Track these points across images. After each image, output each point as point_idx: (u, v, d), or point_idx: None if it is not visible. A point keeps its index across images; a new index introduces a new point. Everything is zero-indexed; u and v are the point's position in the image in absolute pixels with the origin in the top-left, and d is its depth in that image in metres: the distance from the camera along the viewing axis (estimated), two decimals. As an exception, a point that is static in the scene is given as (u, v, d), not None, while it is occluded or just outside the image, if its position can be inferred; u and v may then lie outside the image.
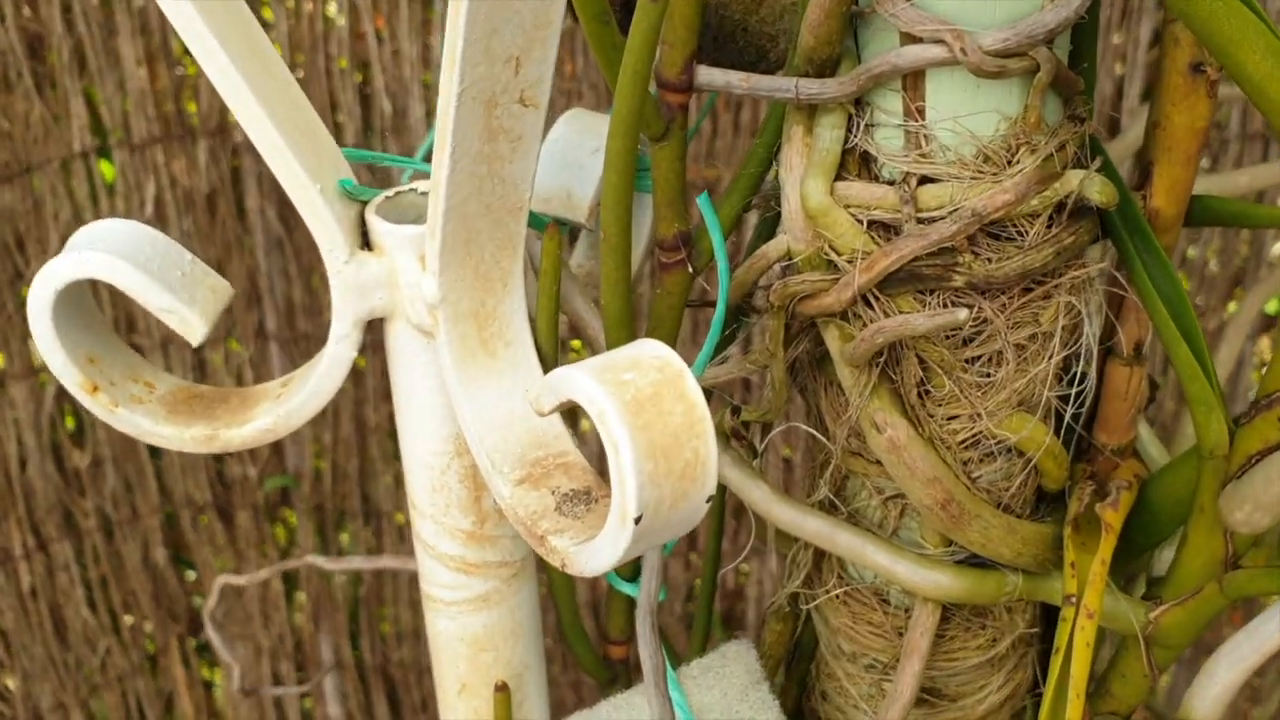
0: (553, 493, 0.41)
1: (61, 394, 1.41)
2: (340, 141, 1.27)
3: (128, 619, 1.53)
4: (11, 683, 1.48)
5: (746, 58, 0.50)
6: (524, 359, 0.43)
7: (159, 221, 1.29)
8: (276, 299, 1.35)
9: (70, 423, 1.42)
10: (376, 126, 1.26)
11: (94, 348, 0.45)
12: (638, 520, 0.35)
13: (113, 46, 1.22)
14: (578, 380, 0.35)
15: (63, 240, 1.29)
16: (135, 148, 1.26)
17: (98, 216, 1.30)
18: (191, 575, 1.56)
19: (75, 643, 1.50)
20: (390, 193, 0.44)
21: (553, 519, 0.40)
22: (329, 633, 1.51)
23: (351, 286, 0.42)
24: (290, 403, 0.45)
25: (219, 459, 1.46)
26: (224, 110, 1.26)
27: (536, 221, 0.48)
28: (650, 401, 0.35)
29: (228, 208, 1.31)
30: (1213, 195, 0.48)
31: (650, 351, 0.36)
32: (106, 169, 1.28)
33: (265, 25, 1.23)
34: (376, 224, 0.42)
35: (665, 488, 0.35)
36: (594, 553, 0.37)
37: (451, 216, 0.39)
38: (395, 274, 0.42)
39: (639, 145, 0.43)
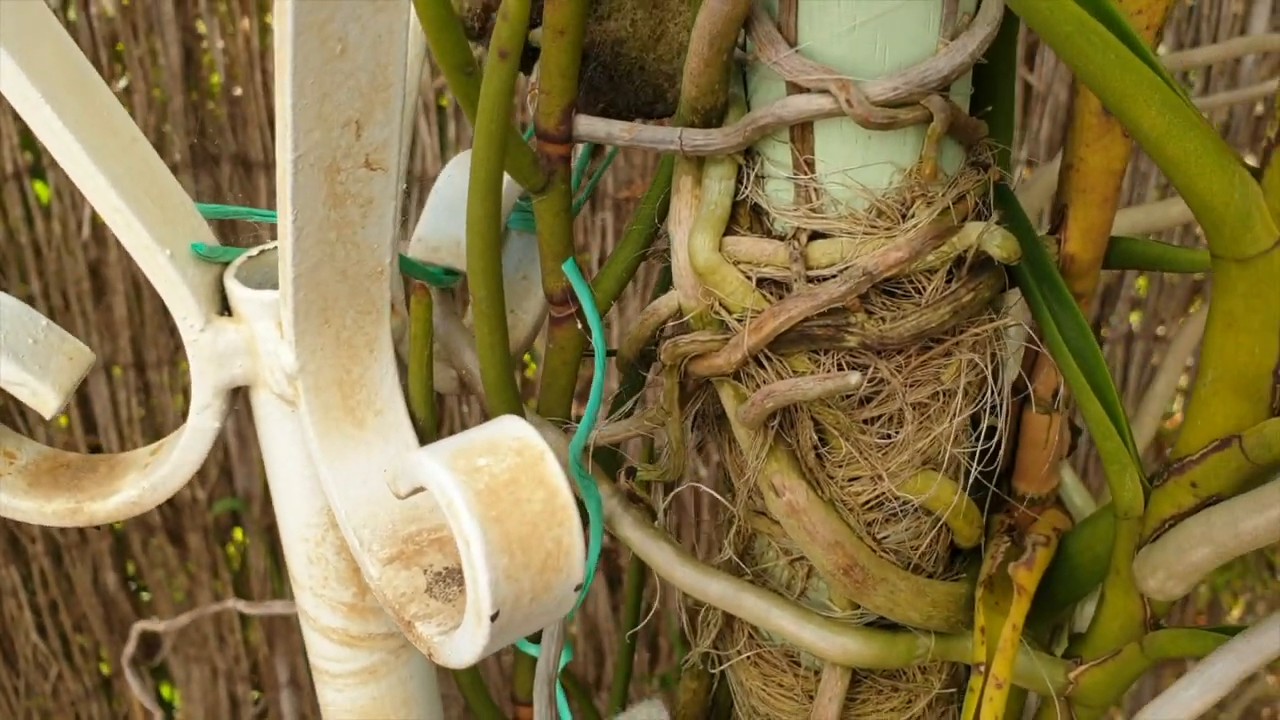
0: (424, 571, 0.39)
1: (2, 417, 1.38)
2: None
3: (80, 643, 1.50)
4: (-41, 711, 1.45)
5: (644, 97, 0.47)
6: (394, 428, 0.40)
7: (97, 243, 1.26)
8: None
9: (14, 446, 1.39)
10: (317, 142, 1.23)
11: (-55, 419, 0.42)
12: (494, 618, 0.32)
13: None
14: (427, 467, 0.33)
15: (-3, 263, 1.26)
16: (69, 167, 1.23)
17: (34, 239, 1.26)
18: (146, 597, 1.53)
19: (25, 669, 1.47)
20: (254, 251, 0.41)
21: (422, 602, 0.38)
22: (285, 653, 1.49)
23: (209, 356, 0.39)
24: (156, 474, 0.42)
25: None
26: (159, 126, 1.23)
27: (422, 272, 0.46)
28: (506, 489, 0.33)
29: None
30: (1131, 238, 0.46)
31: (509, 432, 0.34)
32: (41, 189, 1.25)
33: (200, 41, 1.20)
34: (234, 289, 0.39)
35: (524, 581, 0.33)
36: (455, 646, 0.35)
37: (302, 284, 0.36)
38: (255, 341, 0.39)
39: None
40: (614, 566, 1.43)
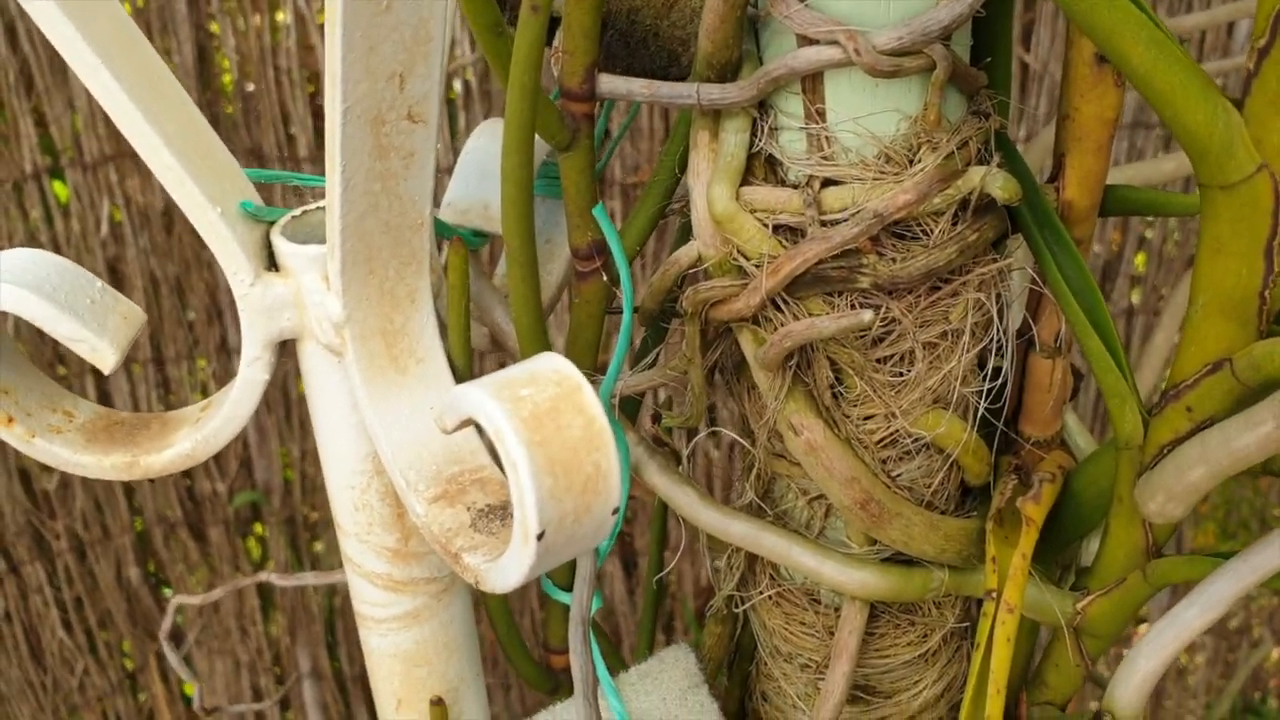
0: (468, 509, 0.41)
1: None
2: (294, 153, 1.27)
3: (104, 637, 1.52)
4: (-12, 707, 1.47)
5: (659, 62, 0.50)
6: (436, 375, 0.43)
7: (116, 241, 1.29)
8: (238, 314, 1.35)
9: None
10: (329, 137, 1.25)
11: (7, 379, 0.45)
12: (540, 537, 0.35)
13: (59, 65, 1.22)
14: (474, 398, 0.35)
15: (19, 262, 1.29)
16: (88, 167, 1.26)
17: (53, 237, 1.29)
18: (167, 592, 1.55)
19: (52, 664, 1.50)
20: (297, 212, 0.44)
21: (467, 536, 0.40)
22: (306, 644, 1.51)
23: (259, 309, 0.42)
24: (208, 427, 0.45)
25: (188, 475, 1.46)
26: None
27: (450, 233, 0.48)
28: (548, 416, 0.35)
29: (184, 224, 1.31)
30: (1126, 185, 0.48)
31: (548, 366, 0.36)
32: (60, 189, 1.28)
33: (213, 39, 1.23)
34: (280, 245, 0.42)
35: (567, 503, 0.35)
36: (502, 570, 0.37)
37: (349, 235, 0.39)
38: (301, 295, 0.42)
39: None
40: (629, 550, 1.45)
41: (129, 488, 1.44)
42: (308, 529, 1.48)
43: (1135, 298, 1.37)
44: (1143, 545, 0.46)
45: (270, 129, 1.24)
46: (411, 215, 0.39)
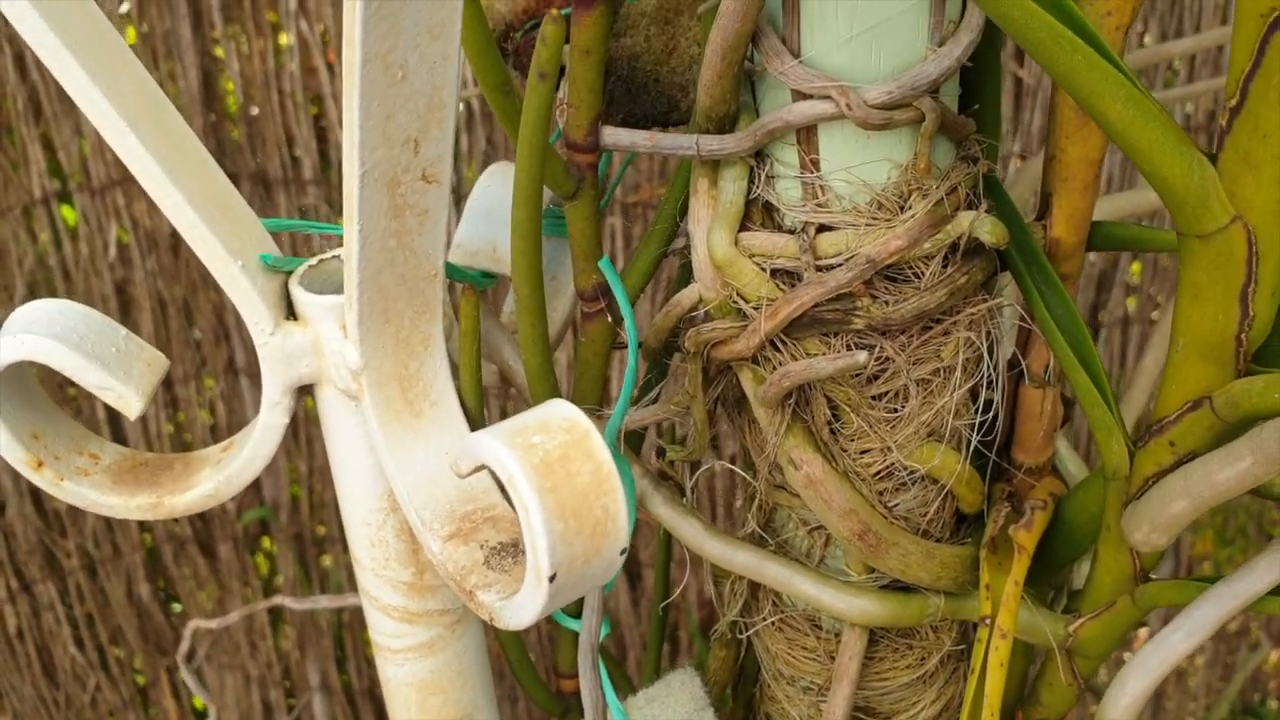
0: (481, 546, 0.43)
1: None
2: (299, 175, 1.28)
3: (116, 654, 1.54)
4: (2, 724, 1.49)
5: (660, 107, 0.52)
6: (449, 418, 0.45)
7: (123, 264, 1.30)
8: (244, 335, 1.37)
9: (47, 464, 1.44)
10: (334, 159, 1.27)
11: (37, 424, 0.47)
12: (552, 579, 0.36)
13: (66, 93, 1.24)
14: (488, 446, 0.37)
15: (28, 286, 1.31)
16: (95, 191, 1.27)
17: (61, 261, 1.31)
18: (177, 608, 1.57)
19: (64, 680, 1.52)
20: (314, 261, 0.45)
21: (481, 573, 0.42)
22: (316, 659, 1.53)
23: (279, 357, 0.44)
24: (230, 468, 0.46)
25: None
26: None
27: (461, 275, 0.50)
28: (559, 463, 0.37)
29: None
30: (1112, 221, 0.50)
31: (558, 414, 0.38)
32: (68, 213, 1.30)
33: (217, 64, 1.25)
34: (299, 295, 0.44)
35: (577, 545, 0.37)
36: (516, 609, 0.39)
37: (367, 288, 0.40)
38: (320, 342, 0.44)
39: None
40: (633, 562, 1.47)
41: (139, 506, 1.46)
42: (315, 544, 1.50)
43: (1131, 305, 1.39)
44: (1131, 571, 0.48)
45: (275, 152, 1.26)
46: (426, 267, 0.41)
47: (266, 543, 1.52)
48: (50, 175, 1.28)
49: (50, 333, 0.44)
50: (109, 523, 1.45)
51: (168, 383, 1.40)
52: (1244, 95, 0.35)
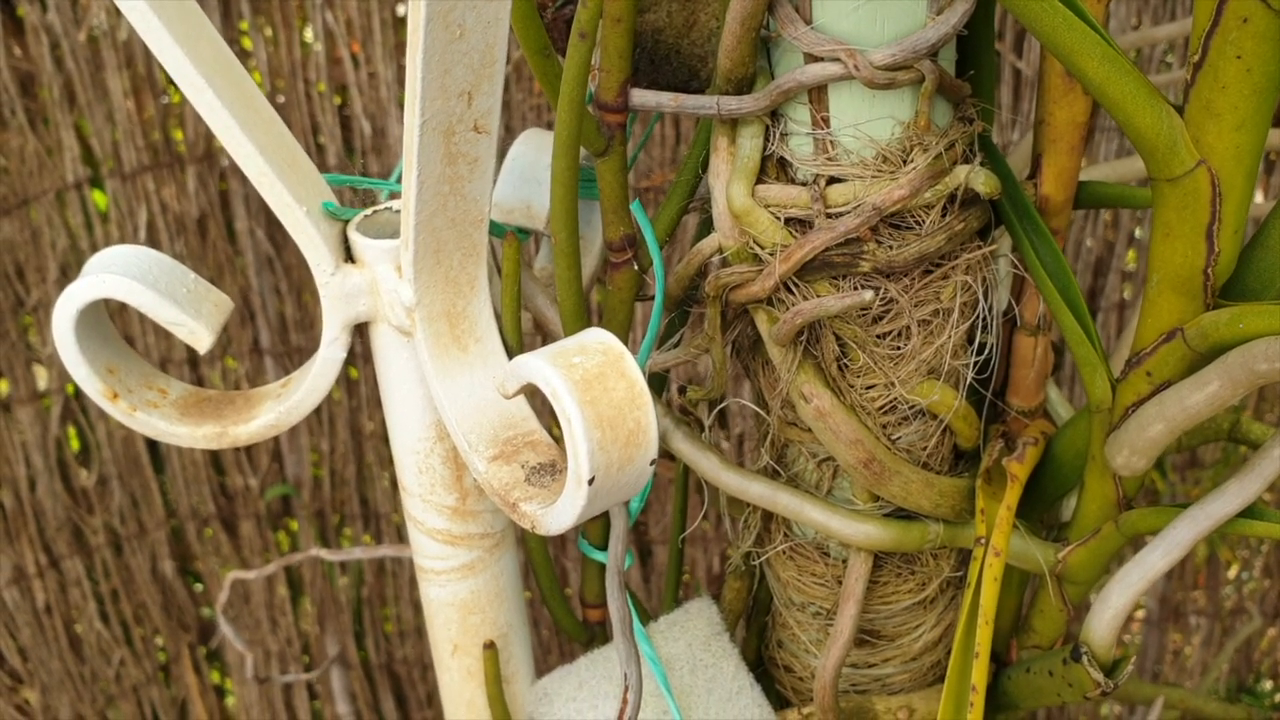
0: (522, 466, 0.47)
1: (66, 415, 1.47)
2: (323, 162, 1.33)
3: (139, 630, 1.58)
4: (31, 696, 1.53)
5: (680, 77, 0.56)
6: (492, 352, 0.49)
7: (152, 246, 1.35)
8: (269, 315, 1.41)
9: (75, 443, 1.48)
10: (357, 146, 1.32)
11: (112, 359, 0.51)
12: (591, 481, 0.41)
13: (100, 80, 1.28)
14: (534, 365, 0.41)
15: (61, 268, 1.35)
16: (126, 176, 1.32)
17: (93, 244, 1.35)
18: (199, 586, 1.62)
19: (90, 655, 1.56)
20: (369, 211, 0.50)
21: (523, 489, 0.46)
22: (334, 633, 1.57)
23: (338, 296, 0.48)
24: (290, 400, 0.51)
25: (221, 471, 1.52)
26: (210, 137, 1.32)
27: (499, 230, 0.55)
28: (596, 380, 0.41)
29: (218, 230, 1.37)
30: (1097, 181, 0.54)
31: (595, 338, 0.42)
32: (99, 198, 1.34)
33: (245, 54, 1.29)
34: (357, 239, 0.48)
35: (613, 452, 0.41)
36: (557, 514, 0.43)
37: (422, 230, 0.45)
38: (376, 283, 0.48)
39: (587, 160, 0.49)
40: (644, 539, 1.51)
41: (164, 484, 1.50)
42: (337, 522, 1.54)
43: (1127, 293, 1.43)
44: (1114, 498, 0.52)
45: (300, 140, 1.31)
46: (474, 213, 0.46)
47: (288, 520, 1.57)
48: (83, 161, 1.33)
49: (128, 273, 0.48)
50: (134, 499, 1.50)
51: (193, 363, 1.44)
52: (1205, 51, 0.39)
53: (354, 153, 1.32)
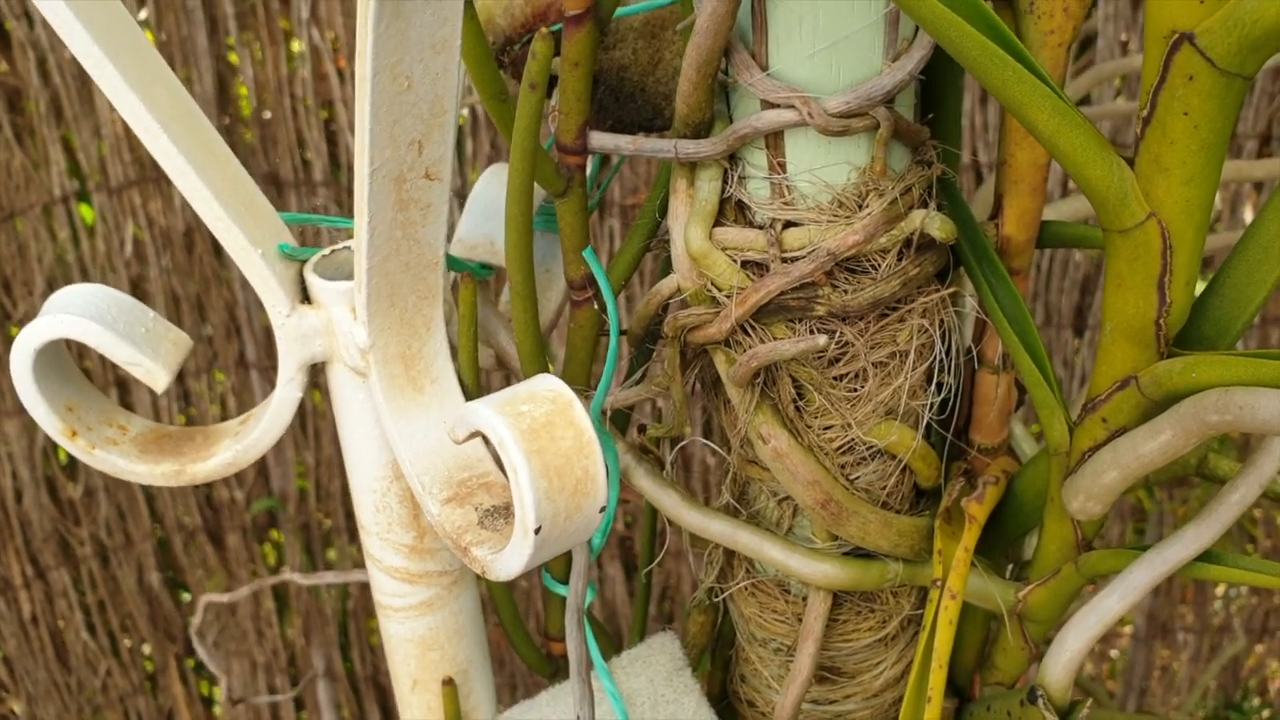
0: (476, 509, 0.47)
1: (53, 427, 1.47)
2: (309, 177, 1.33)
3: (126, 641, 1.59)
4: (16, 706, 1.54)
5: (645, 114, 0.56)
6: (448, 393, 0.49)
7: (138, 260, 1.35)
8: (255, 330, 1.41)
9: (63, 455, 1.48)
10: (343, 162, 1.32)
11: (71, 397, 0.51)
12: (537, 531, 0.41)
13: (87, 95, 1.29)
14: (482, 413, 0.41)
15: (47, 281, 1.36)
16: (113, 191, 1.32)
17: (79, 258, 1.36)
18: (186, 596, 1.62)
19: (77, 665, 1.56)
20: (327, 251, 0.50)
21: (475, 532, 0.46)
22: (320, 646, 1.57)
23: (294, 337, 0.48)
24: (247, 439, 0.51)
25: (207, 485, 1.52)
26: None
27: (461, 266, 0.55)
28: (544, 428, 0.41)
29: (204, 245, 1.37)
30: (1059, 221, 0.54)
31: (545, 386, 0.42)
32: (86, 212, 1.34)
33: (232, 70, 1.30)
34: (313, 281, 0.48)
35: (560, 501, 0.41)
36: (505, 561, 0.43)
37: (374, 274, 0.45)
38: (332, 324, 0.48)
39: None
40: (629, 554, 1.51)
41: (150, 496, 1.50)
42: (322, 535, 1.54)
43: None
44: (1073, 540, 0.52)
45: (287, 154, 1.31)
46: (428, 256, 0.46)
47: (274, 533, 1.57)
48: (69, 175, 1.33)
49: (86, 313, 0.48)
50: (121, 512, 1.50)
51: (180, 376, 1.45)
52: (1153, 106, 0.39)
53: (340, 168, 1.32)
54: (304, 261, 0.49)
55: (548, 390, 0.42)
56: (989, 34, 0.40)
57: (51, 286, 1.35)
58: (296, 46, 1.30)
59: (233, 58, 1.30)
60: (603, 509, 0.43)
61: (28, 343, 0.48)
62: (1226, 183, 1.16)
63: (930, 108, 0.51)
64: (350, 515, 1.52)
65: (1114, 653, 1.69)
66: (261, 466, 1.48)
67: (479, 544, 0.46)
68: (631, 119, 0.56)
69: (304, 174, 1.31)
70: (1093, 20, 1.18)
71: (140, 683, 1.60)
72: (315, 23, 1.26)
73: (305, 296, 0.49)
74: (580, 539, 0.43)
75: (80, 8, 0.42)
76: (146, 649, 1.60)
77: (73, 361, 0.52)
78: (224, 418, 1.45)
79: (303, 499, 1.51)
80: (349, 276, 0.48)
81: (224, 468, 0.52)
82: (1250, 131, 1.21)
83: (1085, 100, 1.08)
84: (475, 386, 0.50)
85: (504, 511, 0.47)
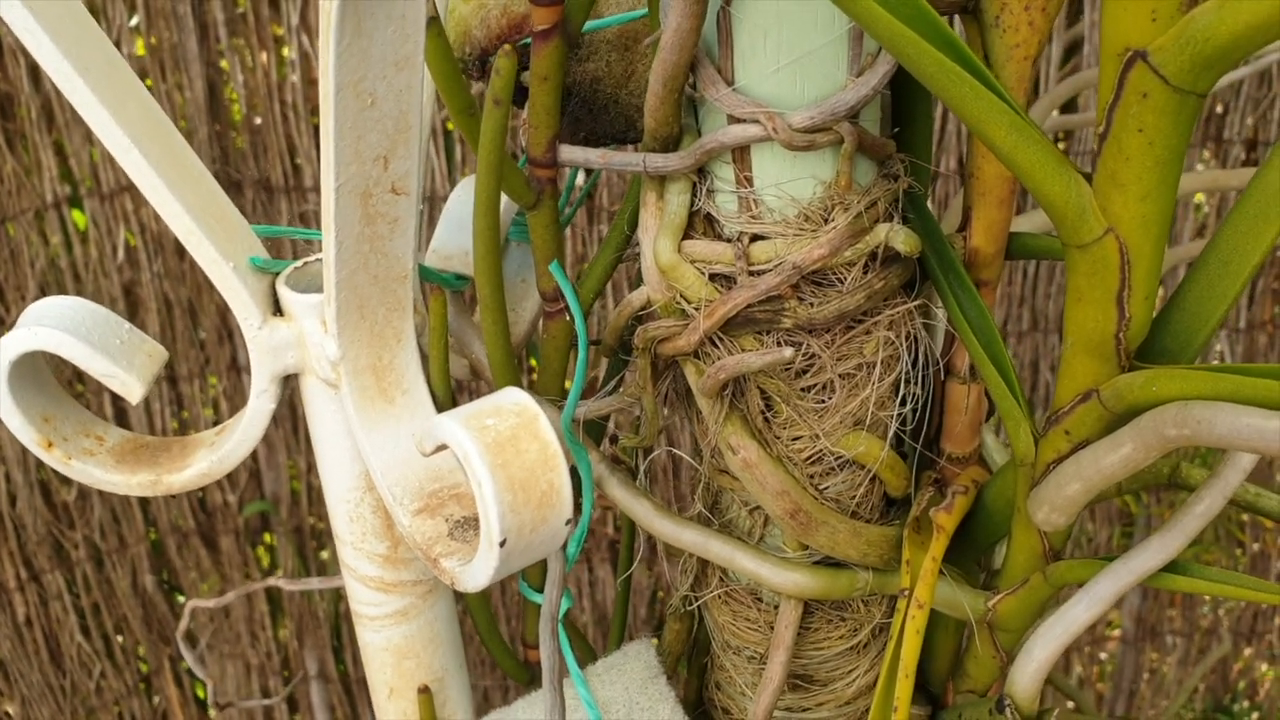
0: (446, 520, 0.48)
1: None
2: (299, 183, 1.33)
3: (120, 643, 1.59)
4: (11, 709, 1.54)
5: (618, 126, 0.57)
6: (419, 404, 0.49)
7: (131, 266, 1.36)
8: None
9: (56, 458, 1.49)
10: (333, 166, 1.32)
11: (48, 408, 0.52)
12: (502, 544, 0.41)
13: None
14: (447, 426, 0.41)
15: (40, 286, 1.36)
16: (105, 196, 1.33)
17: (72, 263, 1.36)
18: (180, 599, 1.62)
19: (71, 668, 1.57)
20: (299, 263, 0.50)
21: (445, 543, 0.47)
22: (313, 648, 1.58)
23: (266, 349, 0.49)
24: (222, 449, 0.51)
25: (200, 488, 1.53)
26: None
27: (434, 277, 0.55)
28: (509, 442, 0.41)
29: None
30: (1028, 233, 0.54)
31: (510, 399, 0.43)
32: (79, 217, 1.35)
33: (222, 76, 1.30)
34: (285, 293, 0.48)
35: (525, 514, 0.42)
36: (472, 573, 0.44)
37: (343, 287, 0.45)
38: (303, 336, 0.49)
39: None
40: (615, 556, 1.52)
41: (144, 500, 1.51)
42: (314, 537, 1.55)
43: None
44: (1040, 550, 0.52)
45: (277, 160, 1.31)
46: (396, 269, 0.46)
47: (267, 536, 1.57)
48: (62, 180, 1.33)
49: (60, 326, 0.49)
50: (115, 515, 1.50)
51: (173, 380, 1.45)
52: (1109, 123, 0.40)
53: (331, 173, 1.33)
54: (276, 274, 0.49)
55: (513, 404, 0.43)
56: (946, 50, 0.40)
57: (44, 292, 1.36)
58: (287, 53, 1.30)
59: (224, 64, 1.30)
60: (569, 521, 0.43)
61: (2, 354, 0.49)
62: (1209, 191, 1.16)
63: (899, 121, 0.51)
64: (342, 518, 1.53)
65: (1103, 656, 1.69)
66: (254, 470, 1.49)
67: (448, 555, 0.46)
68: (605, 130, 0.57)
69: (294, 179, 1.31)
70: (1079, 26, 1.18)
71: (134, 684, 1.61)
72: (305, 29, 1.27)
73: (277, 309, 0.50)
74: (547, 550, 0.44)
75: (50, 23, 0.42)
76: (141, 651, 1.61)
77: (50, 373, 0.53)
78: (216, 421, 1.46)
79: (295, 502, 1.51)
80: (321, 289, 0.49)
81: (199, 478, 0.52)
82: (1236, 137, 1.21)
83: (1069, 106, 1.09)
84: (447, 397, 0.51)
85: (474, 523, 0.48)
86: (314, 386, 0.50)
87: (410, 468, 0.49)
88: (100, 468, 0.52)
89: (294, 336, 0.49)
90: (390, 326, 0.48)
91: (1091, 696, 1.37)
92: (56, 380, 0.53)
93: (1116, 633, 1.60)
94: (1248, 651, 1.60)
